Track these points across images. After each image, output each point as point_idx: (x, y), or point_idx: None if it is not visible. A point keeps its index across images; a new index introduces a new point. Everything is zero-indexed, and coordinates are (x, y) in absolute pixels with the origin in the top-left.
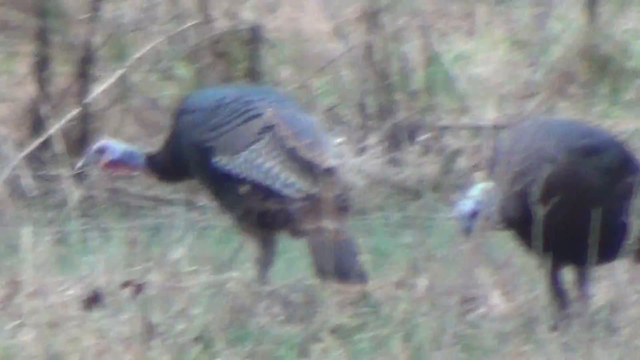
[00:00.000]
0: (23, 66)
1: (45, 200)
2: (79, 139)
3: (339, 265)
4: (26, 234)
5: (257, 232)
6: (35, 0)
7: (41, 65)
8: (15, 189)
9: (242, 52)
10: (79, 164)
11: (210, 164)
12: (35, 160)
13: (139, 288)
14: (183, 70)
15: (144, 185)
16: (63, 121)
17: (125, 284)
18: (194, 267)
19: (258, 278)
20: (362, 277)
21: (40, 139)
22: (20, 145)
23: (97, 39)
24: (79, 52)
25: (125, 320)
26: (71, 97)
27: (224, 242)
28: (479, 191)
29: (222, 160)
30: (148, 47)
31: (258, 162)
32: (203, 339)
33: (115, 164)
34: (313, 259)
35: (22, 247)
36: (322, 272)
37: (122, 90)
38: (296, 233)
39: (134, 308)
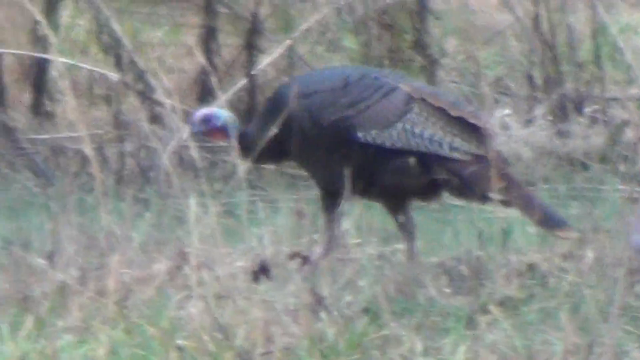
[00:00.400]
0: (190, 38)
1: (213, 171)
2: (247, 110)
3: (550, 215)
4: (193, 205)
5: (399, 204)
6: None
7: (208, 37)
8: (182, 161)
9: (408, 23)
10: (185, 133)
11: (352, 141)
12: None
13: (306, 260)
14: (350, 42)
15: None
16: (230, 92)
17: (293, 256)
18: (360, 239)
19: (410, 253)
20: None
21: None
22: (188, 116)
23: (264, 10)
24: (246, 24)
25: (292, 292)
26: (238, 68)
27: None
28: None
29: (369, 135)
30: (315, 19)
31: (417, 131)
32: (370, 311)
33: (218, 131)
34: (527, 214)
35: (189, 219)
36: (542, 223)
37: (289, 62)
38: (472, 196)
39: (301, 280)
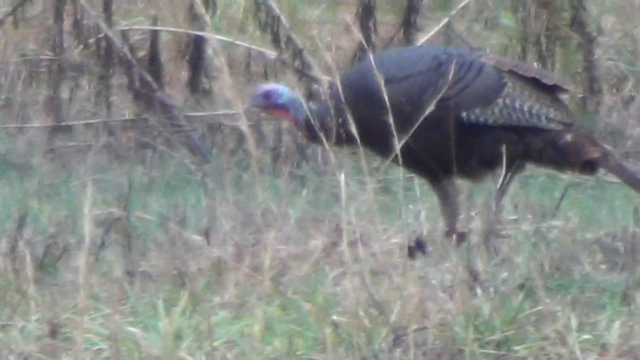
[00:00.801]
0: (348, 15)
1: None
2: None
3: None
4: (349, 182)
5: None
6: None
7: (365, 14)
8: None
9: (566, 1)
10: (245, 106)
11: (457, 121)
12: None
13: (462, 236)
14: (507, 20)
15: None
16: None
17: (449, 232)
18: (516, 216)
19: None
20: None
21: None
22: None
23: None
24: (404, 1)
25: (448, 268)
26: (395, 46)
27: (546, 191)
28: None
29: (472, 114)
30: None
31: (517, 105)
32: (525, 287)
33: (278, 108)
34: (629, 183)
35: (344, 196)
36: None
37: (447, 39)
38: (566, 165)
39: (457, 256)
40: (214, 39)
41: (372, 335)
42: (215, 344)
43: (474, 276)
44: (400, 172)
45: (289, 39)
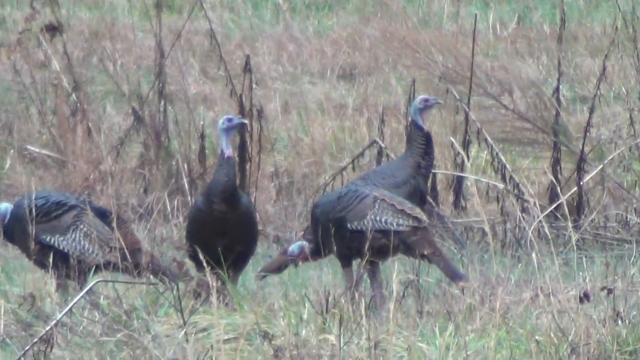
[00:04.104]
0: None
1: None
2: None
3: (453, 268)
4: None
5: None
6: None
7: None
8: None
9: None
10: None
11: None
12: None
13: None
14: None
15: None
16: None
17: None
18: None
19: (377, 297)
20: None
21: None
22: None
23: None
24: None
25: (602, 309)
26: None
27: None
28: None
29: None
30: None
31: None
32: None
33: (300, 258)
34: (441, 268)
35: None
36: (447, 274)
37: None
38: (413, 256)
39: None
40: (470, 177)
41: (558, 347)
42: None
43: (617, 313)
44: (574, 254)
45: (512, 178)
